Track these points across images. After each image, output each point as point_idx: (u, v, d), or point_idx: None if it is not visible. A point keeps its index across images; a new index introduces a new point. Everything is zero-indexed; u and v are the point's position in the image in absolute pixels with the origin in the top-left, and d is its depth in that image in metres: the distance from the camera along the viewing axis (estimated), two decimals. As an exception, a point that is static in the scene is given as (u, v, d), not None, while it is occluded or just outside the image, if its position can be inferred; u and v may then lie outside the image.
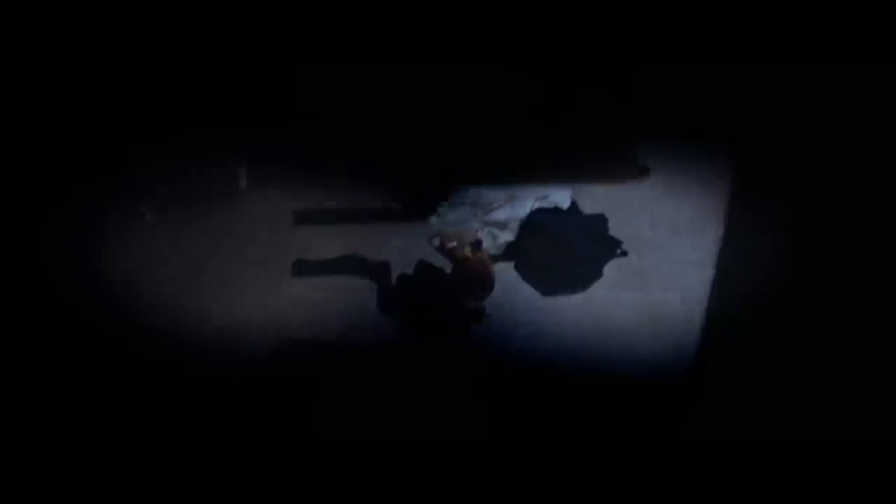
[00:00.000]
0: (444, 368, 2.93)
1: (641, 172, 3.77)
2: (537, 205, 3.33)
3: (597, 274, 3.16)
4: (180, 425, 2.74)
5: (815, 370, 2.80)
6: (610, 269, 3.22)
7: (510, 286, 3.20)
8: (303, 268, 3.30)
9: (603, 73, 3.96)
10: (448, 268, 3.13)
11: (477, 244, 3.06)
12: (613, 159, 3.80)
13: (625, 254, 3.25)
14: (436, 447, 2.60)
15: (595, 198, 3.56)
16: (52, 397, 2.85)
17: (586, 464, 2.56)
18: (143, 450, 2.61)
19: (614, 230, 3.37)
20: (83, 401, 2.84)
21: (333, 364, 2.94)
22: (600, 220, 3.35)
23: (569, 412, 2.78)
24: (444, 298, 3.07)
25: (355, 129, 3.84)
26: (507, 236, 3.27)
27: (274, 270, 3.30)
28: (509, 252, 3.27)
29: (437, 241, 3.23)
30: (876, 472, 2.42)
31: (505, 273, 3.23)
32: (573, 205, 3.40)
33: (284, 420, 2.77)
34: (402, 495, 2.50)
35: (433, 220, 3.39)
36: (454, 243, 3.15)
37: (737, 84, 3.99)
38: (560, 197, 3.41)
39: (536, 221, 3.27)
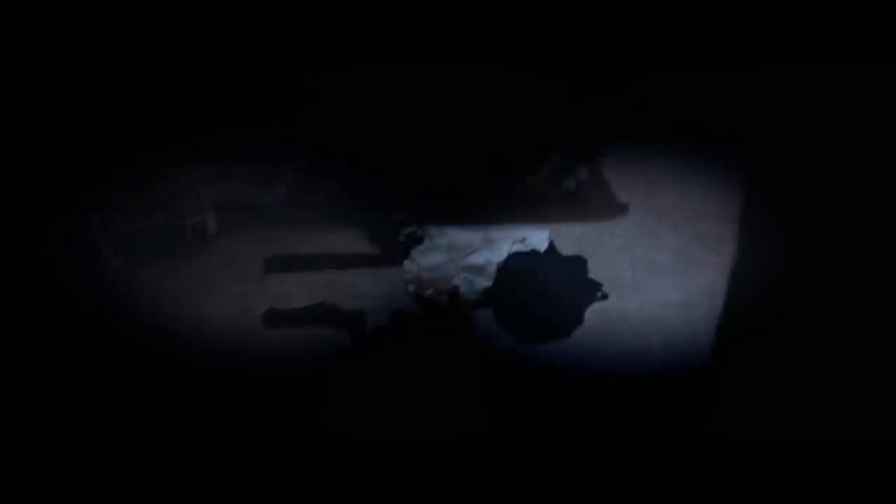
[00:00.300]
0: (442, 369, 2.90)
1: (619, 210, 3.72)
2: (514, 248, 3.25)
3: (577, 319, 3.08)
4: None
5: (823, 371, 2.78)
6: (591, 313, 3.14)
7: (489, 334, 3.10)
8: (273, 319, 3.18)
9: (594, 75, 3.91)
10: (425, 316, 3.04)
11: (453, 292, 2.97)
12: (592, 195, 3.76)
13: (605, 297, 3.17)
14: (435, 447, 2.56)
15: (573, 238, 3.50)
16: (40, 399, 2.83)
17: (587, 464, 2.52)
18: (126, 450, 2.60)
19: (593, 272, 3.30)
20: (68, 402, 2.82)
21: (330, 364, 2.92)
22: (579, 263, 3.28)
23: (567, 412, 2.75)
24: (422, 350, 2.97)
25: (324, 164, 3.74)
26: (484, 282, 3.18)
27: (242, 322, 3.18)
28: (487, 298, 3.18)
29: (412, 288, 3.14)
30: (880, 472, 2.40)
31: (483, 320, 3.14)
32: (551, 246, 3.32)
33: (281, 421, 2.73)
34: (402, 495, 2.45)
35: (407, 265, 3.29)
36: (430, 291, 3.06)
37: (737, 85, 3.98)
38: (537, 239, 3.33)
39: (514, 266, 3.18)
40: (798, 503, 2.37)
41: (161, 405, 2.80)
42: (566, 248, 3.41)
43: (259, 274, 3.41)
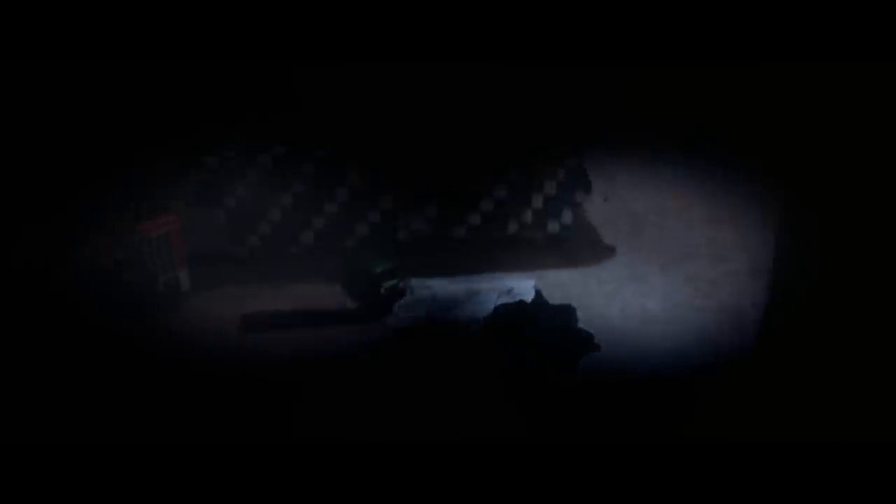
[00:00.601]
0: (440, 368, 2.89)
1: (605, 253, 3.63)
2: (501, 300, 3.14)
3: (570, 375, 2.96)
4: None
5: (824, 371, 2.75)
6: (583, 366, 3.02)
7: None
8: (252, 381, 3.02)
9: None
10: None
11: None
12: (577, 238, 3.67)
13: (597, 348, 3.06)
14: (433, 447, 2.54)
15: (560, 286, 3.38)
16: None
17: (585, 464, 2.49)
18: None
19: (584, 321, 3.18)
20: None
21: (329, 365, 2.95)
22: (568, 312, 3.16)
23: (564, 412, 2.74)
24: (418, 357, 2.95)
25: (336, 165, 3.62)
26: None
27: (220, 384, 3.02)
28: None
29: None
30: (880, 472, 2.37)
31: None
32: (538, 296, 3.21)
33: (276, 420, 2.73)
34: (399, 495, 2.41)
35: (390, 321, 3.17)
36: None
37: (734, 86, 3.96)
38: (523, 288, 3.22)
39: (501, 319, 3.07)
40: (798, 503, 2.34)
41: (156, 406, 2.79)
42: (553, 297, 3.29)
43: (234, 332, 3.26)
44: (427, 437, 2.60)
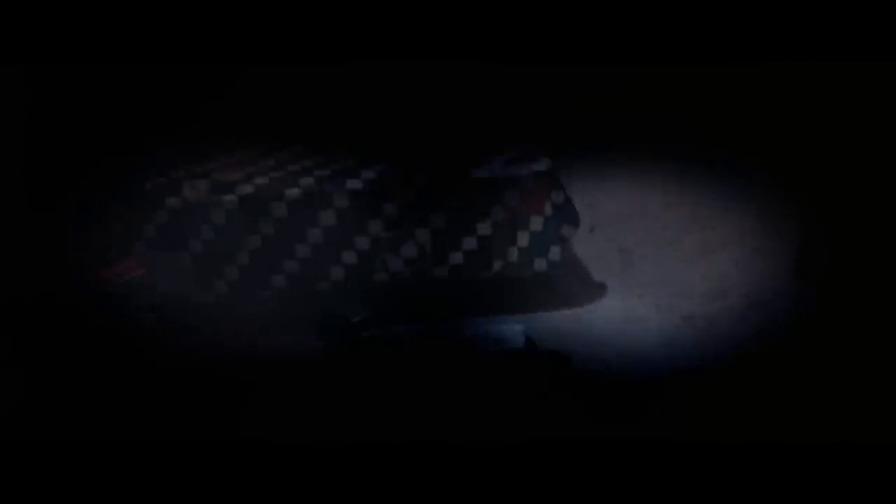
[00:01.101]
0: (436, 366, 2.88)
1: (596, 291, 3.44)
2: (490, 349, 2.93)
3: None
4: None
5: (824, 371, 2.76)
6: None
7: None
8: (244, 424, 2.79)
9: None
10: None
11: None
12: (566, 275, 3.48)
13: (598, 398, 2.85)
14: (430, 447, 2.49)
15: (551, 330, 3.17)
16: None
17: (583, 464, 2.45)
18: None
19: (578, 367, 2.99)
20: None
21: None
22: (562, 361, 2.96)
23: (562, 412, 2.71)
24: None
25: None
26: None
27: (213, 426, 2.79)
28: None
29: None
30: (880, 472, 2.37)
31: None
32: (529, 343, 3.01)
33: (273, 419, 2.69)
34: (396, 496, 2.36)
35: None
36: None
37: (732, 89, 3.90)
38: (511, 334, 3.02)
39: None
40: (798, 503, 2.32)
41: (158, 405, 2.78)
42: (547, 341, 3.08)
43: (227, 371, 3.03)
44: (424, 438, 2.52)
